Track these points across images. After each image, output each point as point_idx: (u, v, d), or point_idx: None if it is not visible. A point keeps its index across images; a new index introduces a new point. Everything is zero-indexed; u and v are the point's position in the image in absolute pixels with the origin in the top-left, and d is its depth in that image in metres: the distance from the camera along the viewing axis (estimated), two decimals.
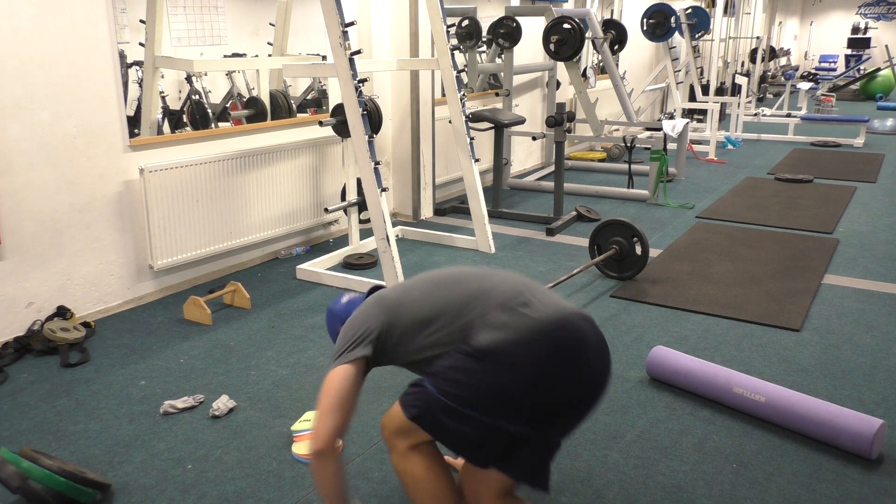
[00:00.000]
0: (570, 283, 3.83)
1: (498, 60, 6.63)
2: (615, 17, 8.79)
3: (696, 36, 8.85)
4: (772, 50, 14.14)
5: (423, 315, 1.67)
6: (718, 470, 2.23)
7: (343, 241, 4.63)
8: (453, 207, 5.47)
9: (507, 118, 5.28)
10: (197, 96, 4.33)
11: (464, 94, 4.35)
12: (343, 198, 4.37)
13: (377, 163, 3.61)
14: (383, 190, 3.64)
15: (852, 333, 3.21)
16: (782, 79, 13.53)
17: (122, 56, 3.54)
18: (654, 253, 4.34)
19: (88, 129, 3.28)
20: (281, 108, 4.59)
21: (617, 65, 7.74)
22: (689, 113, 9.23)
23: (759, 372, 2.84)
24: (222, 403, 2.58)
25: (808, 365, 2.91)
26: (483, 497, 1.72)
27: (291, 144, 4.31)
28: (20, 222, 3.09)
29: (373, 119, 3.83)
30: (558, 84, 7.23)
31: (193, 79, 4.30)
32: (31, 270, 3.16)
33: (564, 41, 5.95)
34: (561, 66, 6.78)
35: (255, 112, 4.52)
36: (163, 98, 4.08)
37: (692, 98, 9.29)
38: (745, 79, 9.39)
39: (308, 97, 5.04)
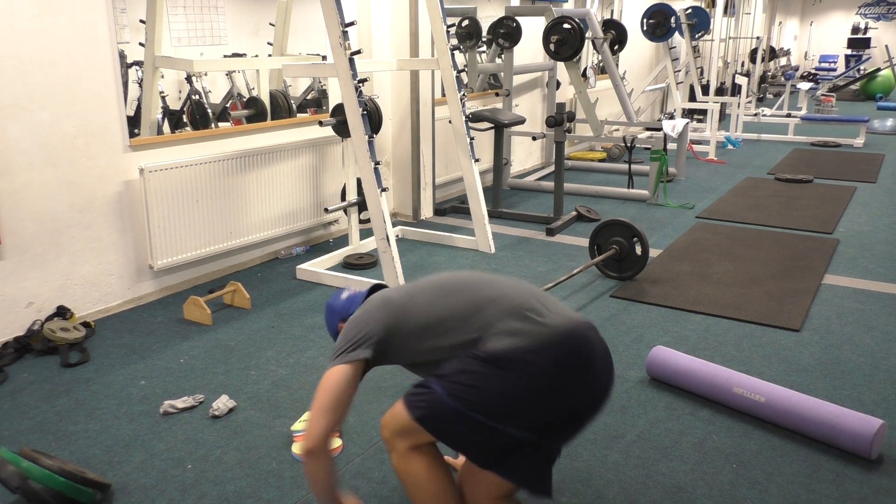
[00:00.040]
0: (570, 283, 3.83)
1: (498, 60, 6.63)
2: (615, 17, 8.79)
3: (696, 36, 8.85)
4: (772, 50, 14.14)
5: (430, 319, 1.66)
6: (718, 470, 2.23)
7: (343, 241, 4.63)
8: (453, 207, 5.47)
9: (507, 118, 5.28)
10: (197, 96, 4.33)
11: (464, 94, 4.35)
12: (343, 198, 4.37)
13: (377, 163, 3.61)
14: (383, 190, 3.64)
15: (852, 333, 3.22)
16: (782, 79, 13.53)
17: (122, 56, 3.54)
18: (654, 253, 4.34)
19: (88, 129, 3.28)
20: (281, 108, 4.59)
21: (617, 65, 7.74)
22: (689, 113, 9.23)
23: (759, 372, 2.84)
24: (222, 403, 2.58)
25: (808, 365, 2.91)
26: (481, 499, 1.73)
27: (291, 144, 4.31)
28: (20, 222, 3.09)
29: (373, 119, 3.83)
30: (558, 84, 7.23)
31: (193, 79, 4.30)
32: (31, 270, 3.16)
33: (564, 41, 5.95)
34: (561, 66, 6.78)
35: (255, 112, 4.52)
36: (163, 98, 4.08)
37: (692, 98, 9.29)
38: (745, 79, 9.39)
39: (308, 97, 5.04)
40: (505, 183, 6.16)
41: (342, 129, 3.96)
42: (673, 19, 8.26)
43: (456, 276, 1.79)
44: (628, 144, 6.08)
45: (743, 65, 11.77)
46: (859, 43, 18.34)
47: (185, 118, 4.28)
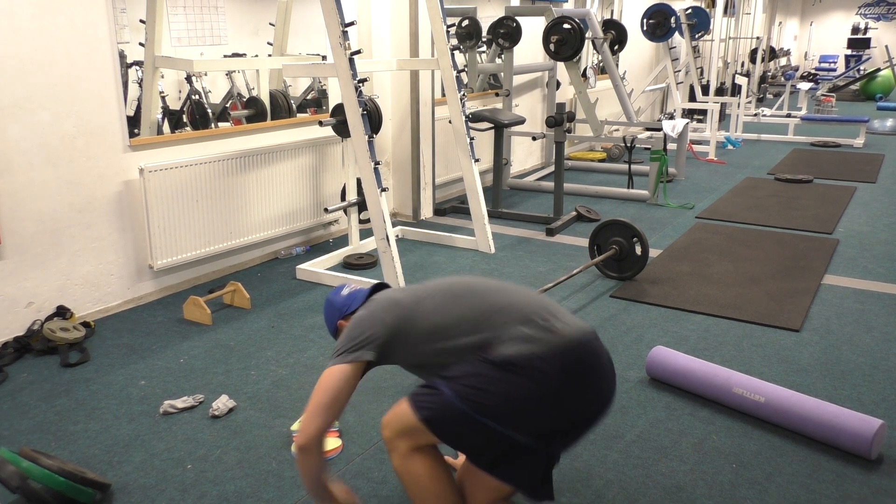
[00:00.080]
0: (570, 283, 3.83)
1: (498, 60, 6.63)
2: (615, 17, 8.79)
3: (696, 36, 8.86)
4: (772, 50, 14.14)
5: (438, 323, 1.67)
6: (718, 470, 2.23)
7: (343, 241, 4.64)
8: (453, 207, 5.47)
9: (507, 118, 5.28)
10: (197, 96, 4.33)
11: (464, 94, 4.35)
12: (343, 198, 4.37)
13: (377, 163, 3.61)
14: (383, 190, 3.65)
15: (852, 334, 3.22)
16: (782, 79, 13.53)
17: (122, 56, 3.54)
18: (653, 253, 4.34)
19: (88, 129, 3.28)
20: (281, 108, 4.59)
21: (617, 65, 7.75)
22: (689, 113, 9.24)
23: (758, 372, 2.84)
24: (222, 403, 2.58)
25: (808, 365, 2.91)
26: (480, 500, 1.74)
27: (291, 144, 4.31)
28: (20, 222, 3.09)
29: (373, 119, 3.83)
30: (558, 84, 7.23)
31: (193, 79, 4.30)
32: (30, 270, 3.16)
33: (564, 41, 5.95)
34: (561, 66, 6.78)
35: (255, 112, 4.52)
36: (163, 98, 4.08)
37: (692, 98, 9.29)
38: (745, 79, 9.39)
39: (308, 97, 5.04)
40: (505, 183, 6.16)
41: (342, 129, 3.96)
42: (673, 19, 8.27)
43: (464, 281, 1.80)
44: (628, 144, 6.08)
45: (743, 65, 11.77)
46: (859, 43, 18.34)
47: (184, 118, 4.28)
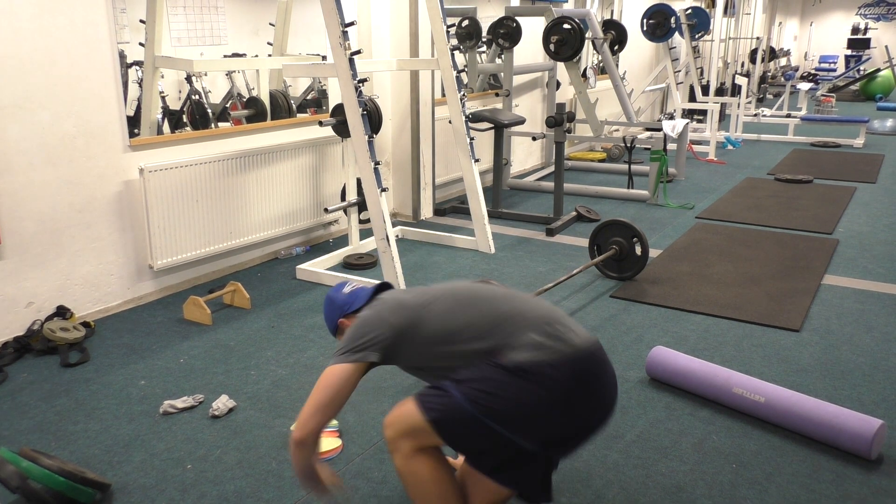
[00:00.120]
0: (570, 284, 3.83)
1: (498, 60, 6.63)
2: (615, 17, 8.79)
3: (696, 36, 8.86)
4: (772, 50, 14.14)
5: (447, 328, 1.67)
6: (718, 470, 2.23)
7: (343, 241, 4.63)
8: (453, 207, 5.47)
9: (507, 118, 5.28)
10: (197, 96, 4.33)
11: (464, 95, 4.35)
12: (343, 198, 4.37)
13: (377, 163, 3.61)
14: (383, 190, 3.65)
15: (852, 334, 3.22)
16: (782, 79, 13.54)
17: (122, 56, 3.54)
18: (653, 253, 4.34)
19: (88, 129, 3.28)
20: (281, 108, 4.59)
21: (617, 65, 7.75)
22: (688, 113, 9.24)
23: (758, 372, 2.84)
24: (222, 403, 2.58)
25: (808, 365, 2.91)
26: (480, 501, 1.74)
27: (291, 144, 4.31)
28: (20, 222, 3.09)
29: (373, 119, 3.83)
30: (558, 84, 7.23)
31: (193, 79, 4.30)
32: (30, 270, 3.16)
33: (564, 41, 5.95)
34: (561, 66, 6.78)
35: (255, 112, 4.52)
36: (163, 98, 4.08)
37: (692, 98, 9.29)
38: (745, 79, 9.39)
39: (308, 97, 5.04)
40: (505, 183, 6.16)
41: (342, 129, 3.96)
42: (673, 19, 8.27)
43: (472, 286, 1.80)
44: (628, 145, 6.09)
45: (743, 65, 11.77)
46: (859, 43, 18.34)
47: (184, 118, 4.28)
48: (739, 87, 9.32)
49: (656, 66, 9.78)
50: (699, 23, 8.58)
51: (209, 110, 4.37)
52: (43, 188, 3.15)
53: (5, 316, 3.10)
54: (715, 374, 2.62)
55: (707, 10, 9.03)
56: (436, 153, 5.35)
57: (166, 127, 4.14)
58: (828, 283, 3.87)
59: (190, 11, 3.97)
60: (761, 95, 12.48)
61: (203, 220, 3.79)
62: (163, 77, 4.03)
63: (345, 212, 4.39)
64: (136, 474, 2.22)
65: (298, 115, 4.72)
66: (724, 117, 10.22)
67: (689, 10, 8.58)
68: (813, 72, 17.30)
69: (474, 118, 5.02)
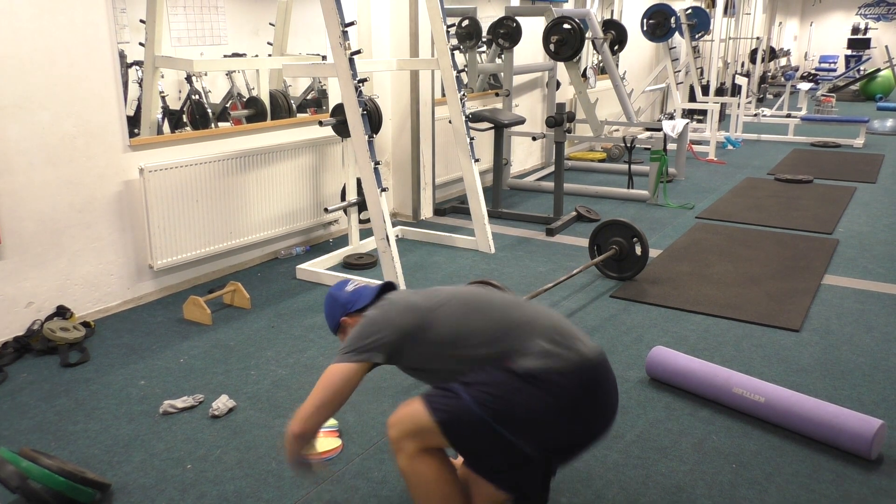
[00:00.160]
0: (570, 283, 3.83)
1: (498, 60, 6.63)
2: (615, 17, 8.79)
3: (696, 36, 8.85)
4: (772, 50, 14.14)
5: (457, 332, 1.67)
6: (718, 470, 2.23)
7: (343, 241, 4.63)
8: (453, 207, 5.47)
9: (507, 118, 5.28)
10: (197, 96, 4.33)
11: (464, 94, 4.35)
12: (343, 198, 4.37)
13: (377, 163, 3.61)
14: (383, 190, 3.64)
15: (852, 334, 3.22)
16: (782, 79, 13.53)
17: (122, 56, 3.54)
18: (653, 253, 4.34)
19: (88, 128, 3.28)
20: (281, 108, 4.59)
21: (617, 65, 7.74)
22: (688, 113, 9.24)
23: (758, 372, 2.84)
24: (222, 403, 2.58)
25: (808, 365, 2.91)
26: (480, 501, 1.75)
27: (291, 144, 4.31)
28: (20, 222, 3.09)
29: (373, 119, 3.83)
30: (558, 84, 7.23)
31: (193, 79, 4.30)
32: (30, 270, 3.16)
33: (564, 41, 5.95)
34: (561, 66, 6.78)
35: (255, 112, 4.52)
36: (163, 98, 4.08)
37: (692, 98, 9.29)
38: (745, 79, 9.39)
39: (308, 97, 5.04)
40: (505, 183, 6.16)
41: (342, 129, 3.96)
42: (673, 19, 8.27)
43: (482, 292, 1.81)
44: (628, 145, 6.09)
45: (743, 65, 11.77)
46: (859, 43, 18.34)
47: (185, 118, 4.28)
48: (739, 87, 9.32)
49: (656, 66, 9.78)
50: (699, 23, 8.58)
51: (209, 110, 4.38)
52: (43, 188, 3.15)
53: (5, 316, 3.10)
54: (715, 374, 2.62)
55: (707, 10, 9.03)
56: (436, 153, 5.35)
57: (166, 127, 4.14)
58: (828, 283, 3.87)
59: (190, 11, 3.97)
60: (761, 95, 12.48)
61: (203, 220, 3.79)
62: (163, 77, 4.03)
63: (345, 212, 4.39)
64: (135, 474, 2.22)
65: (298, 115, 4.72)
66: (724, 117, 10.22)
67: (689, 10, 8.58)
68: (813, 72, 17.30)
69: (474, 118, 5.02)
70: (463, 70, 6.28)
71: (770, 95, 13.84)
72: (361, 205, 4.12)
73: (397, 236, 4.73)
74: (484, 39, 6.34)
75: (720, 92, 9.56)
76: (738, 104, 9.16)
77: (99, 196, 3.38)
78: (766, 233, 4.84)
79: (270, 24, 4.54)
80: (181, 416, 2.55)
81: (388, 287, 1.93)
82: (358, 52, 3.53)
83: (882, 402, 2.62)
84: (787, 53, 18.21)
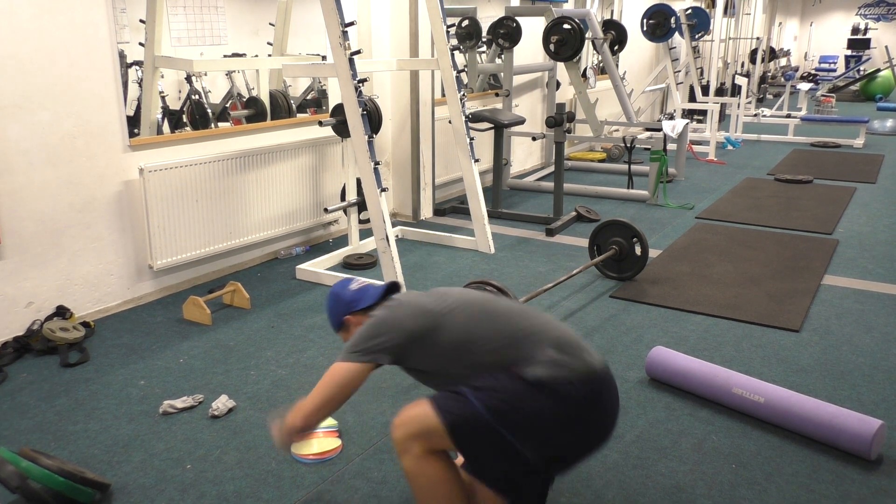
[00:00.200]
0: (570, 284, 3.83)
1: (498, 61, 6.63)
2: (615, 17, 8.79)
3: (696, 36, 8.85)
4: (772, 51, 14.14)
5: (467, 338, 1.68)
6: (718, 470, 2.23)
7: (343, 241, 4.64)
8: (453, 208, 5.47)
9: (507, 118, 5.28)
10: (197, 96, 4.33)
11: (464, 95, 4.35)
12: (343, 198, 4.37)
13: (377, 163, 3.61)
14: (383, 190, 3.64)
15: (852, 334, 3.22)
16: (782, 79, 13.53)
17: (122, 56, 3.54)
18: (653, 253, 4.34)
19: (88, 128, 3.28)
20: (281, 108, 4.59)
21: (617, 65, 7.74)
22: (688, 113, 9.24)
23: (758, 372, 2.84)
24: (222, 403, 2.58)
25: (808, 365, 2.91)
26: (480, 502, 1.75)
27: (291, 144, 4.31)
28: (20, 222, 3.09)
29: (373, 119, 3.83)
30: (558, 84, 7.23)
31: (193, 79, 4.30)
32: (30, 270, 3.16)
33: (564, 41, 5.95)
34: (561, 66, 6.78)
35: (255, 112, 4.52)
36: (162, 98, 4.08)
37: (692, 98, 9.29)
38: (745, 79, 9.39)
39: (308, 97, 5.04)
40: (505, 183, 6.16)
41: (342, 129, 3.96)
42: (673, 20, 8.27)
43: (492, 299, 1.81)
44: (628, 145, 6.09)
45: (743, 65, 11.77)
46: (859, 44, 18.33)
47: (184, 118, 4.28)
48: (739, 87, 9.32)
49: (656, 67, 9.78)
50: (699, 23, 8.58)
51: (209, 110, 4.38)
52: (43, 188, 3.15)
53: (5, 316, 3.10)
54: (715, 375, 2.62)
55: (707, 11, 9.03)
56: (436, 153, 5.35)
57: (166, 127, 4.15)
58: (828, 283, 3.87)
59: (190, 11, 3.97)
60: (761, 96, 12.48)
61: (203, 220, 3.79)
62: (163, 77, 4.03)
63: (345, 212, 4.39)
64: (135, 474, 2.22)
65: (298, 115, 4.72)
66: (723, 117, 10.22)
67: (689, 11, 8.58)
68: (813, 72, 17.30)
69: (474, 118, 5.02)
70: (463, 70, 6.28)
71: (770, 96, 13.84)
72: (361, 205, 4.12)
73: (397, 236, 4.73)
74: (484, 39, 6.34)
75: (720, 92, 9.56)
76: (738, 104, 9.16)
77: (99, 196, 3.38)
78: (766, 233, 4.85)
79: (270, 24, 4.54)
80: (181, 417, 2.55)
81: (394, 287, 1.93)
82: (358, 52, 3.53)
83: (882, 403, 2.62)
84: (787, 54, 18.21)
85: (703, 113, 9.34)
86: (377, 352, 1.68)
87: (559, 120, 5.03)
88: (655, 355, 2.79)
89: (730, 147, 8.49)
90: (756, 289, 3.77)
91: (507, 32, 6.11)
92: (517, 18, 6.17)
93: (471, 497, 1.76)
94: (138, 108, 3.83)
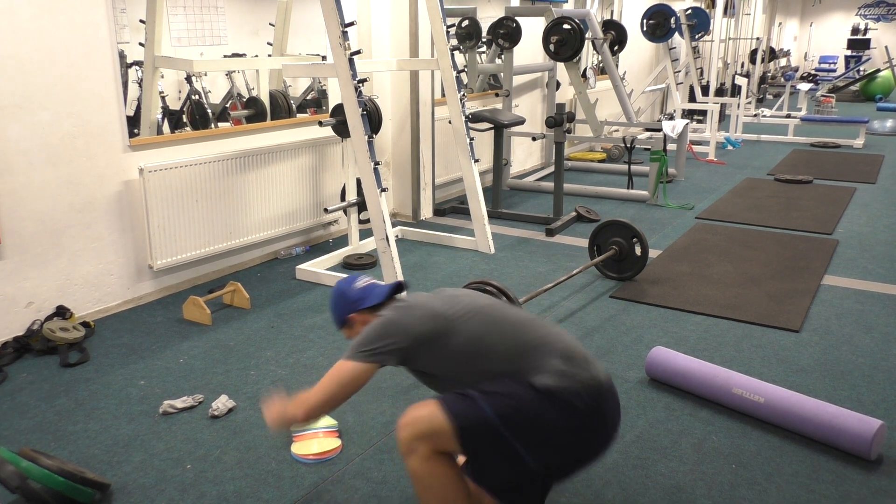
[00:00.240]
0: (570, 284, 3.83)
1: (498, 61, 6.63)
2: (615, 17, 8.79)
3: (696, 37, 8.85)
4: (771, 51, 14.14)
5: (477, 346, 1.69)
6: (717, 470, 2.23)
7: (343, 241, 4.63)
8: (453, 208, 5.47)
9: (507, 118, 5.28)
10: (197, 96, 4.33)
11: (464, 95, 4.35)
12: (343, 198, 4.37)
13: (377, 163, 3.61)
14: (383, 190, 3.64)
15: (851, 334, 3.22)
16: (782, 80, 13.53)
17: (122, 56, 3.54)
18: (653, 253, 4.34)
19: (88, 129, 3.28)
20: (281, 108, 4.59)
21: (617, 65, 7.75)
22: (688, 114, 9.24)
23: (758, 373, 2.84)
24: (221, 403, 2.58)
25: (808, 366, 2.91)
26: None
27: (291, 144, 4.30)
28: (20, 222, 3.09)
29: (373, 119, 3.83)
30: (558, 84, 7.23)
31: (193, 79, 4.30)
32: (30, 270, 3.16)
33: (564, 42, 5.95)
34: (561, 66, 6.78)
35: (255, 112, 4.52)
36: (162, 98, 4.08)
37: (692, 99, 9.29)
38: (745, 80, 9.39)
39: (308, 97, 5.04)
40: (505, 183, 6.16)
41: (342, 130, 3.96)
42: (673, 20, 8.27)
43: (500, 306, 1.81)
44: (628, 145, 6.09)
45: (743, 65, 11.77)
46: (859, 44, 18.34)
47: (184, 118, 4.28)
48: (739, 87, 9.32)
49: (656, 67, 9.78)
50: (699, 23, 8.58)
51: (209, 110, 4.38)
52: (43, 188, 3.15)
53: (5, 316, 3.10)
54: (715, 375, 2.62)
55: (707, 11, 9.03)
56: (436, 153, 5.35)
57: (166, 127, 4.15)
58: (827, 283, 3.87)
59: (190, 11, 3.97)
60: (761, 96, 12.48)
61: (203, 220, 3.79)
62: (163, 77, 4.04)
63: (345, 212, 4.39)
64: (135, 474, 2.22)
65: (298, 115, 4.72)
66: (723, 118, 10.22)
67: (689, 11, 8.58)
68: (813, 72, 17.30)
69: (474, 118, 5.02)
70: (463, 70, 6.28)
71: (770, 96, 13.84)
72: (361, 205, 4.12)
73: (397, 236, 4.73)
74: (484, 40, 6.34)
75: (720, 92, 9.55)
76: (738, 104, 9.16)
77: (99, 196, 3.38)
78: (766, 233, 4.85)
79: (270, 24, 4.54)
80: (181, 416, 2.55)
81: (399, 287, 1.92)
82: (358, 52, 3.53)
83: (882, 403, 2.62)
84: (787, 54, 18.21)
85: (703, 113, 9.34)
86: (385, 353, 1.68)
87: (559, 120, 5.03)
88: (655, 355, 2.79)
89: (730, 147, 8.49)
90: (756, 289, 3.77)
91: (506, 32, 6.11)
92: (517, 18, 6.17)
93: (474, 499, 1.76)
94: (138, 108, 3.83)
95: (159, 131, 4.04)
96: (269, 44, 4.54)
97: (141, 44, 3.79)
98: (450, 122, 4.47)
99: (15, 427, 2.50)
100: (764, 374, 2.81)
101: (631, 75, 9.26)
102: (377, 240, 3.69)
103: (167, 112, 4.14)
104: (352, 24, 3.46)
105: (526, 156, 7.21)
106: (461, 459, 1.75)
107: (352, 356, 1.69)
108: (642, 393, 2.71)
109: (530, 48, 6.84)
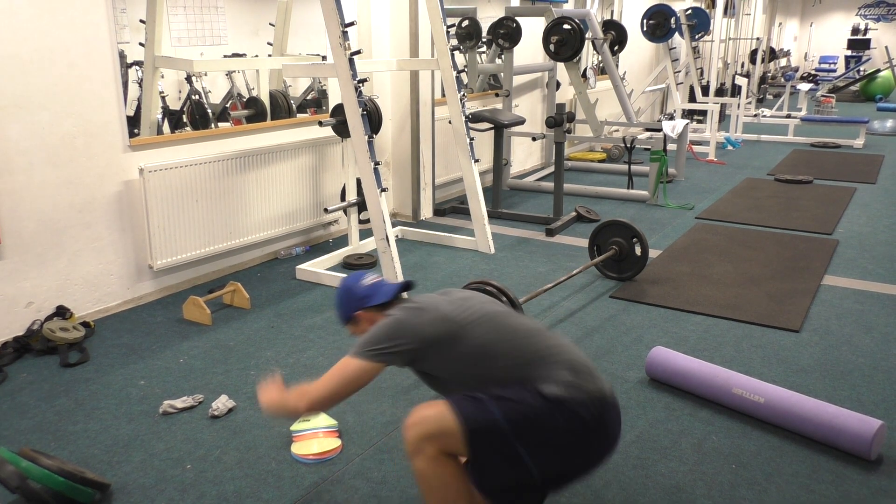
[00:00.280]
0: (570, 284, 3.83)
1: (498, 61, 6.63)
2: (615, 17, 8.79)
3: (696, 37, 8.85)
4: (772, 51, 14.14)
5: (486, 352, 1.69)
6: (717, 470, 2.23)
7: (343, 241, 4.63)
8: (453, 208, 5.47)
9: (507, 119, 5.28)
10: (197, 96, 4.33)
11: (464, 95, 4.36)
12: (343, 198, 4.37)
13: (377, 163, 3.61)
14: (383, 190, 3.64)
15: (851, 334, 3.22)
16: (782, 80, 13.53)
17: (122, 56, 3.54)
18: (653, 254, 4.34)
19: (88, 128, 3.28)
20: (281, 108, 4.59)
21: (617, 65, 7.74)
22: (688, 114, 9.24)
23: (758, 373, 2.84)
24: (221, 403, 2.58)
25: (808, 366, 2.91)
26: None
27: (291, 144, 4.30)
28: (20, 222, 3.09)
29: (373, 119, 3.83)
30: (558, 84, 7.23)
31: (193, 79, 4.30)
32: (30, 270, 3.16)
33: (564, 42, 5.95)
34: (561, 66, 6.78)
35: (255, 112, 4.52)
36: (163, 98, 4.08)
37: (692, 99, 9.29)
38: (745, 80, 9.39)
39: (308, 97, 5.04)
40: (505, 183, 6.16)
41: (342, 129, 3.96)
42: (673, 20, 8.27)
43: (509, 314, 1.81)
44: (628, 145, 6.09)
45: (743, 66, 11.77)
46: (859, 44, 18.34)
47: (184, 118, 4.28)
48: (739, 87, 9.32)
49: (656, 67, 9.78)
50: (699, 23, 8.58)
51: (209, 110, 4.38)
52: (43, 188, 3.15)
53: (5, 316, 3.10)
54: (715, 375, 2.62)
55: (707, 11, 9.03)
56: (436, 153, 5.35)
57: (166, 127, 4.15)
58: (827, 283, 3.87)
59: (190, 11, 3.97)
60: (761, 96, 12.48)
61: (203, 220, 3.79)
62: (163, 77, 4.04)
63: (345, 212, 4.39)
64: (135, 474, 2.22)
65: (298, 115, 4.72)
66: (723, 118, 10.22)
67: (689, 11, 8.58)
68: (813, 72, 17.30)
69: (474, 118, 5.02)
70: (463, 70, 6.28)
71: (770, 96, 13.84)
72: (361, 205, 4.12)
73: (397, 236, 4.73)
74: (484, 40, 6.34)
75: (720, 92, 9.56)
76: (738, 105, 9.16)
77: (99, 196, 3.38)
78: (766, 233, 4.85)
79: (270, 24, 4.54)
80: (181, 417, 2.55)
81: (407, 286, 1.92)
82: (358, 52, 3.53)
83: (882, 403, 2.62)
84: (787, 54, 18.21)
85: (703, 113, 9.33)
86: (393, 354, 1.68)
87: (559, 120, 5.03)
88: (655, 355, 2.79)
89: (730, 147, 8.48)
90: (756, 289, 3.77)
91: (507, 33, 6.11)
92: (517, 19, 6.17)
93: (476, 502, 1.76)
94: (138, 108, 3.83)
95: (159, 131, 4.04)
96: (269, 44, 4.54)
97: (141, 44, 3.79)
98: (450, 122, 4.47)
99: (15, 427, 2.50)
100: (764, 374, 2.81)
101: (631, 75, 9.26)
102: (377, 240, 3.70)
103: (167, 112, 4.14)
104: (352, 24, 3.46)
105: (526, 156, 7.21)
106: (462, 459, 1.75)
107: (359, 354, 1.69)
108: (642, 393, 2.71)
109: (530, 48, 6.84)
